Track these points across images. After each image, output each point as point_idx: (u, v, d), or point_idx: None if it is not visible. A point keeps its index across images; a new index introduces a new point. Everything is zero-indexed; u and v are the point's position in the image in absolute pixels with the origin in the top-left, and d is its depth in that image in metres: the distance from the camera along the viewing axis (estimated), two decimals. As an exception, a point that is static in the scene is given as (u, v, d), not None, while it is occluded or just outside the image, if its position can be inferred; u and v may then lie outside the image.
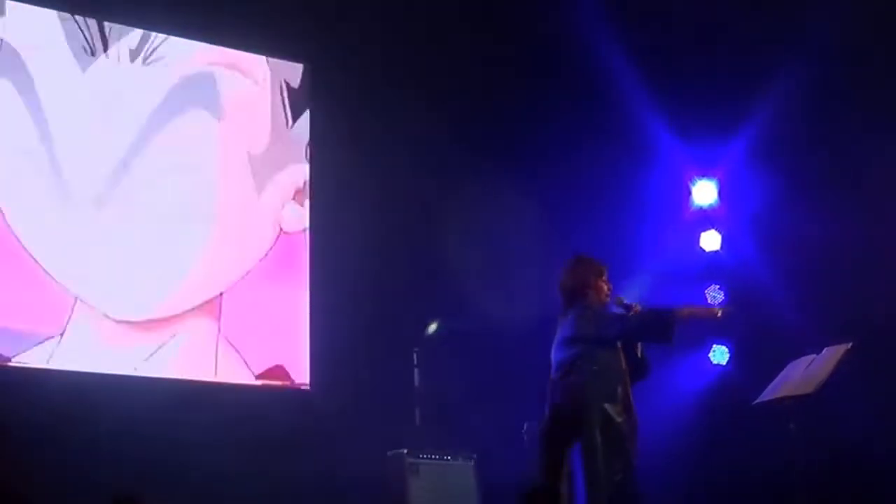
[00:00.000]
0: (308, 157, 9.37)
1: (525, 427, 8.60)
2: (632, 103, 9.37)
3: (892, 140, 8.74)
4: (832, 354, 7.17)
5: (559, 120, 9.66)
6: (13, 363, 7.93)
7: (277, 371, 9.00)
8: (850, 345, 7.12)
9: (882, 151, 8.80)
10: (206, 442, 8.09)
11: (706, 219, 10.00)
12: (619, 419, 6.59)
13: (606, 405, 6.54)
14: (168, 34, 8.89)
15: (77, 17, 8.52)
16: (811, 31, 8.82)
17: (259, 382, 8.88)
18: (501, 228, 9.42)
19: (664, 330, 6.62)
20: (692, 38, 9.39)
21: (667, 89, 9.43)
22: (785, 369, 7.46)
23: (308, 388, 9.06)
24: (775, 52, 9.16)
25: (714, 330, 9.63)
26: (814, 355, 7.30)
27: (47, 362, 8.05)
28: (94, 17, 8.59)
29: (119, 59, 8.66)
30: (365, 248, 9.11)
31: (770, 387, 7.44)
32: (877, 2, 8.86)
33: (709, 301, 9.75)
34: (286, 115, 9.39)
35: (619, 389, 6.64)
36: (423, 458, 8.52)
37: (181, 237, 8.77)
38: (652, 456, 8.65)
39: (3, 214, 8.05)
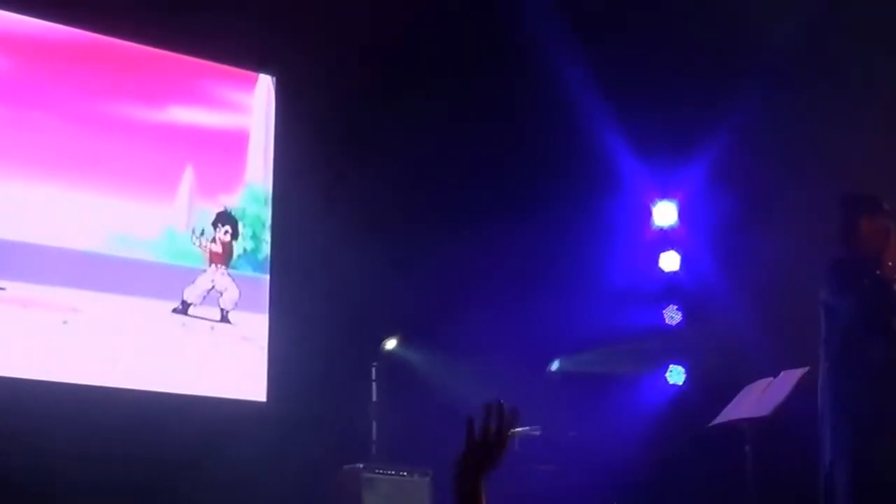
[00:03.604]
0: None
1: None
2: (593, 125, 9.39)
3: (849, 161, 8.82)
4: (789, 378, 7.20)
5: (521, 141, 9.66)
6: None
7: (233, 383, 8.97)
8: (807, 369, 7.15)
9: (840, 173, 8.86)
10: (159, 454, 8.03)
11: (666, 239, 10.05)
12: None
13: None
14: (136, 43, 8.86)
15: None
16: (767, 56, 8.89)
17: (214, 395, 8.80)
18: (462, 246, 9.40)
19: None
20: (653, 60, 9.42)
21: (628, 111, 9.45)
22: (742, 392, 7.49)
23: (264, 401, 9.01)
24: (735, 75, 9.22)
25: (671, 350, 9.72)
26: (771, 378, 7.34)
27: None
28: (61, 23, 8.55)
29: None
30: (326, 260, 9.09)
31: (727, 409, 7.47)
32: (830, 27, 8.93)
33: (667, 321, 9.81)
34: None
35: None
36: (378, 472, 8.51)
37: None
38: (607, 475, 8.73)
39: None
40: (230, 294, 9.02)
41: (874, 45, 8.61)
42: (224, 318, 8.95)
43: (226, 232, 9.05)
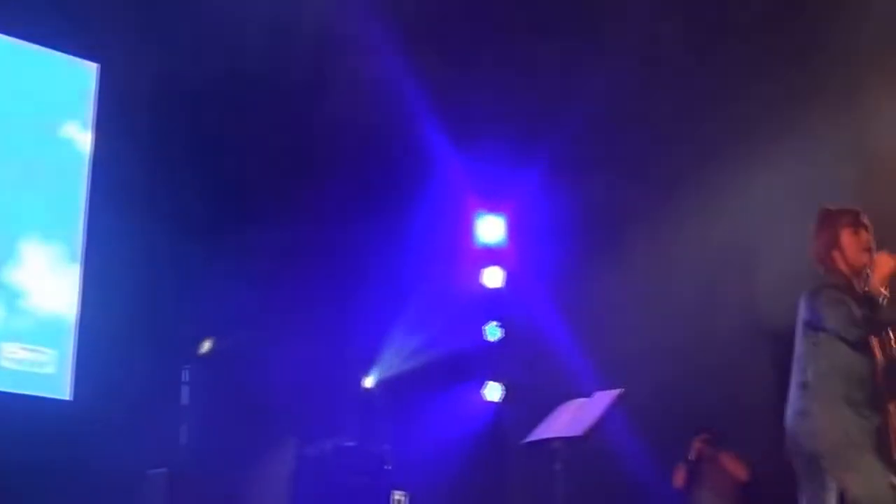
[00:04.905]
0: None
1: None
2: (423, 142, 9.37)
3: (690, 178, 8.99)
4: (603, 399, 7.23)
5: (335, 142, 9.55)
6: None
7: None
8: (621, 391, 7.20)
9: (684, 193, 9.03)
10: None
11: (491, 255, 10.07)
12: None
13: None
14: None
15: None
16: (596, 74, 8.99)
17: (13, 390, 8.44)
18: (281, 252, 9.25)
19: None
20: (484, 73, 9.45)
21: (458, 126, 9.45)
22: (555, 410, 7.50)
23: (69, 399, 8.70)
24: (564, 93, 9.29)
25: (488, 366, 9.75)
26: (585, 399, 7.36)
27: None
28: None
29: None
30: (139, 262, 8.82)
31: (540, 427, 7.47)
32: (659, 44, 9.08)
33: (486, 337, 9.84)
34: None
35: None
36: (185, 477, 8.29)
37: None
38: (420, 487, 8.70)
39: None
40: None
41: (715, 44, 8.78)
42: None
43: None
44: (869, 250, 5.52)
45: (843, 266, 5.51)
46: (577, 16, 9.14)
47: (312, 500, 8.40)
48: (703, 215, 8.93)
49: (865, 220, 5.58)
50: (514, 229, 10.10)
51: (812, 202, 5.83)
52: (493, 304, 9.97)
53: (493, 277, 10.02)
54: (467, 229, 10.10)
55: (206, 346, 9.15)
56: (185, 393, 8.67)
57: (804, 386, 5.46)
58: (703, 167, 8.97)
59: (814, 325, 5.47)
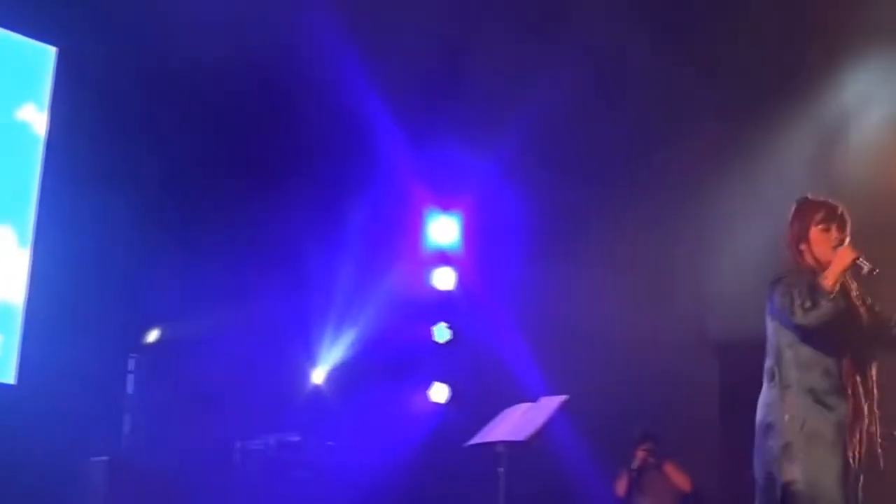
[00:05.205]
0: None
1: (238, 446, 8.48)
2: (380, 145, 9.35)
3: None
4: (549, 404, 7.25)
5: (284, 135, 9.51)
6: None
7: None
8: (566, 397, 7.22)
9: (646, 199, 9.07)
10: None
11: (443, 256, 10.07)
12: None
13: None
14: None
15: None
16: (555, 74, 9.00)
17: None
18: (230, 244, 9.19)
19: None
20: (441, 67, 9.45)
21: (414, 128, 9.44)
22: (500, 414, 7.52)
23: (13, 384, 8.62)
24: (523, 91, 9.30)
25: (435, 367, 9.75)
26: (530, 403, 7.38)
27: None
28: None
29: None
30: (90, 248, 8.74)
31: (484, 430, 7.48)
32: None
33: (435, 338, 9.83)
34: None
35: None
36: (126, 465, 8.23)
37: None
38: (363, 485, 8.69)
39: None
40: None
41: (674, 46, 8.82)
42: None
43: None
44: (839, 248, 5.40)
45: (809, 260, 5.43)
46: (534, 15, 9.16)
47: (255, 494, 8.38)
48: (659, 222, 8.97)
49: (841, 217, 5.46)
50: (468, 230, 10.08)
51: (768, 214, 5.83)
52: (443, 305, 9.96)
53: (444, 279, 9.99)
54: (417, 228, 10.07)
55: (154, 335, 9.09)
56: (130, 382, 8.60)
57: (771, 376, 5.42)
58: (662, 172, 9.02)
59: (773, 315, 5.43)
